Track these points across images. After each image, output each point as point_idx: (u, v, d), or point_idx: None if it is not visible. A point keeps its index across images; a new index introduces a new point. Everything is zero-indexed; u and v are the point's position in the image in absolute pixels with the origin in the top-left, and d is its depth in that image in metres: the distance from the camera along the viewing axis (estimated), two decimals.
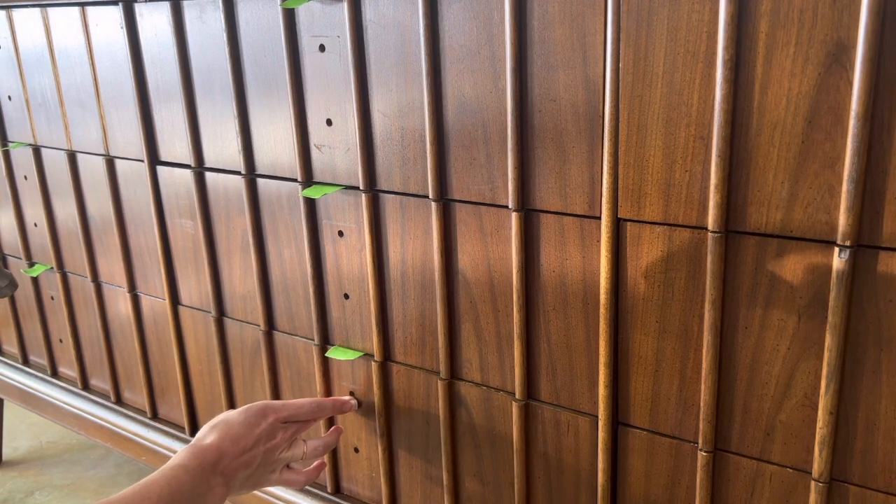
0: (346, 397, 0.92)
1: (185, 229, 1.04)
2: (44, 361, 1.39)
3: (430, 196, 0.77)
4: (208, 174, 0.98)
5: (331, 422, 0.96)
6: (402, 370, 0.87)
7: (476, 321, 0.79)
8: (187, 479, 0.72)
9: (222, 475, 0.75)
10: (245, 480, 0.79)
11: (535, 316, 0.75)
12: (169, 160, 1.02)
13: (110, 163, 1.10)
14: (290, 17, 0.82)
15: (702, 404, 0.66)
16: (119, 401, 1.28)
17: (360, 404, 0.92)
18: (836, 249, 0.57)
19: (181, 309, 1.10)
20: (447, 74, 0.73)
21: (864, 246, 0.57)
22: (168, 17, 0.93)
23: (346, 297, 0.89)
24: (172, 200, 1.04)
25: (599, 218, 0.68)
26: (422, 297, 0.83)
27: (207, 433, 0.78)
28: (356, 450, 0.96)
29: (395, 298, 0.85)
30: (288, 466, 0.85)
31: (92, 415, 1.29)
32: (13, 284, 1.01)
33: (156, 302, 1.13)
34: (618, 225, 0.67)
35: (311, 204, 0.88)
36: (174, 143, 1.00)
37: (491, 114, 0.71)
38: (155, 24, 0.96)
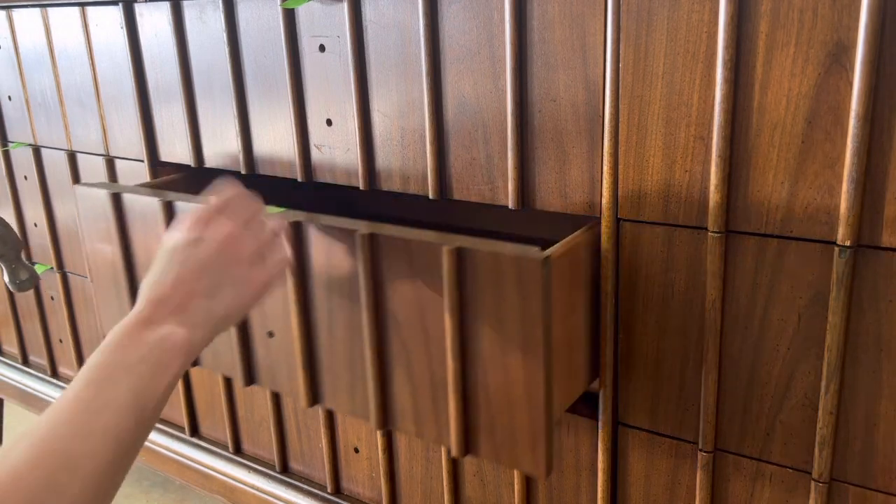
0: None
1: None
2: (44, 361, 1.39)
3: (431, 196, 0.77)
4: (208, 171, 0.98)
5: None
6: None
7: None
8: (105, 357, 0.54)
9: (169, 322, 0.57)
10: (209, 312, 0.60)
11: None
12: (169, 160, 1.02)
13: (110, 163, 1.10)
14: (290, 18, 0.82)
15: (702, 404, 0.66)
16: None
17: None
18: (836, 249, 0.57)
19: None
20: (447, 74, 0.73)
21: (864, 246, 0.57)
22: (168, 17, 0.93)
23: None
24: None
25: (599, 218, 0.68)
26: None
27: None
28: (356, 450, 0.96)
29: None
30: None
31: None
32: (34, 276, 1.03)
33: None
34: (618, 225, 0.67)
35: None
36: (174, 143, 1.00)
37: (491, 114, 0.71)
38: (155, 24, 0.96)
